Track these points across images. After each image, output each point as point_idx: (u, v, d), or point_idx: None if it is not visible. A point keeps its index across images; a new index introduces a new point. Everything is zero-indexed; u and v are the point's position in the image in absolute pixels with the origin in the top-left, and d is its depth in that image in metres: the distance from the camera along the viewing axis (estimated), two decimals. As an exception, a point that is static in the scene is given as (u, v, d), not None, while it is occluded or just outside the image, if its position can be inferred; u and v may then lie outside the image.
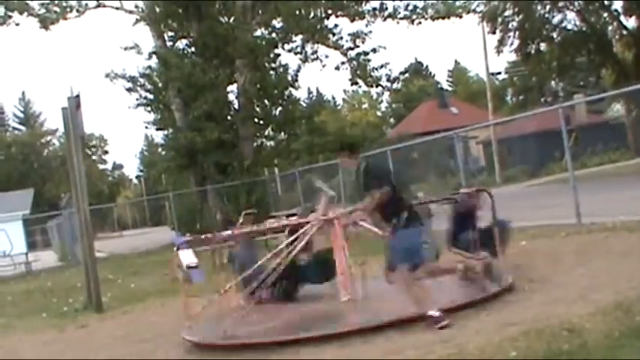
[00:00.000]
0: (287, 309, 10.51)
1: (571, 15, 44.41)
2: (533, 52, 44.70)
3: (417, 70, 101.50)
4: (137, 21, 34.57)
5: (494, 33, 44.51)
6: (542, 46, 45.14)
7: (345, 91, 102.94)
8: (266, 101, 33.34)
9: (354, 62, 33.72)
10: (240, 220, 14.24)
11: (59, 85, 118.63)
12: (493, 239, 10.24)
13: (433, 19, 33.69)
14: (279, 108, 33.63)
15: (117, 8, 35.30)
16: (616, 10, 43.32)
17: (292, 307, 10.47)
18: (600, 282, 8.71)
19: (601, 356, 5.85)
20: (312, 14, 33.04)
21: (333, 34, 33.54)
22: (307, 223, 10.41)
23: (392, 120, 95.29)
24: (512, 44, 44.51)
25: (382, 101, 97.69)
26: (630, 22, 43.98)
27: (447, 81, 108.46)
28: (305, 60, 33.77)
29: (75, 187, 15.07)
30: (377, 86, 35.08)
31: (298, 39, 33.49)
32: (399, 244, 8.51)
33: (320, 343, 8.05)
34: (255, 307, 10.04)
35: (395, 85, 35.87)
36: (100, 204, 64.64)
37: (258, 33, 33.14)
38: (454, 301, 8.71)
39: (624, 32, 44.13)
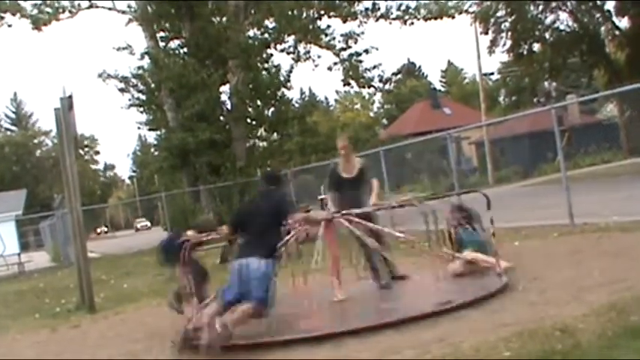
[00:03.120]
0: (281, 309, 10.49)
1: (563, 15, 44.57)
2: (525, 52, 44.80)
3: (410, 70, 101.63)
4: (129, 21, 34.56)
5: (486, 33, 44.62)
6: (535, 46, 45.26)
7: (337, 92, 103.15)
8: (258, 101, 33.32)
9: (347, 63, 33.72)
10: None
11: (51, 85, 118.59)
12: None
13: (426, 19, 33.72)
14: (272, 108, 33.63)
15: (109, 9, 35.29)
16: (608, 11, 43.47)
17: (286, 308, 10.45)
18: (594, 282, 8.72)
19: (595, 356, 5.86)
20: (304, 14, 33.03)
21: (326, 35, 33.55)
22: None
23: (384, 121, 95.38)
24: (504, 45, 44.65)
25: (374, 102, 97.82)
26: (623, 23, 44.17)
27: (440, 81, 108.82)
28: (297, 60, 33.77)
29: (67, 187, 15.02)
30: (369, 87, 35.07)
31: (291, 39, 33.49)
32: None
33: (315, 344, 8.04)
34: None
35: (387, 86, 35.89)
36: (92, 204, 64.59)
37: (250, 33, 33.13)
38: (449, 301, 8.72)
39: (617, 33, 44.25)
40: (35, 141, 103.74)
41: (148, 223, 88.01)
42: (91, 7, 35.00)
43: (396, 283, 11.13)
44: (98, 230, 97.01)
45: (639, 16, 41.40)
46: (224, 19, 32.98)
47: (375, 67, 34.05)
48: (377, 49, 34.86)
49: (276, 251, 9.03)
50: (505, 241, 13.65)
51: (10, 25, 34.33)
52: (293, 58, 33.75)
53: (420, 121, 69.17)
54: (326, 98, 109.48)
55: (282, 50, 33.68)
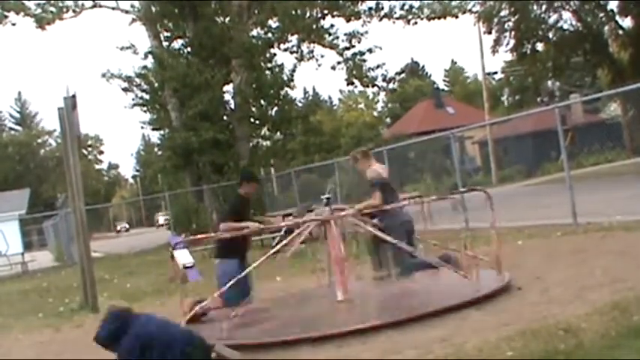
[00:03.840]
0: (284, 309, 10.50)
1: (567, 15, 44.54)
2: (529, 52, 44.80)
3: (413, 69, 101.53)
4: (133, 21, 34.59)
5: (490, 33, 44.58)
6: (538, 45, 45.25)
7: (341, 91, 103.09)
8: (262, 101, 33.29)
9: (350, 62, 33.70)
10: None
11: (55, 85, 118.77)
12: None
13: (429, 19, 33.72)
14: (275, 108, 33.60)
15: (113, 8, 35.30)
16: (612, 10, 43.41)
17: (289, 308, 10.45)
18: (597, 282, 8.70)
19: (597, 356, 5.85)
20: (307, 14, 33.02)
21: (329, 34, 33.53)
22: (304, 223, 10.42)
23: (388, 120, 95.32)
24: (508, 44, 44.62)
25: (378, 101, 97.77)
26: (626, 22, 44.12)
27: (444, 81, 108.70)
28: (301, 60, 33.76)
29: (71, 187, 15.03)
30: (373, 86, 35.09)
31: (294, 39, 33.47)
32: None
33: (318, 344, 8.04)
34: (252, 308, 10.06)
35: (391, 85, 35.88)
36: (96, 204, 64.55)
37: (254, 33, 33.11)
38: (451, 301, 8.71)
39: (620, 32, 44.21)
40: (39, 140, 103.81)
41: None
42: (94, 6, 35.04)
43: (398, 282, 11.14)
44: (118, 227, 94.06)
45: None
46: (227, 18, 32.94)
47: (378, 66, 34.07)
48: (380, 48, 34.88)
49: None
50: (508, 240, 13.65)
51: (14, 24, 34.33)
52: (296, 58, 33.77)
53: (424, 120, 69.10)
54: (329, 98, 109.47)
55: (285, 50, 33.69)
